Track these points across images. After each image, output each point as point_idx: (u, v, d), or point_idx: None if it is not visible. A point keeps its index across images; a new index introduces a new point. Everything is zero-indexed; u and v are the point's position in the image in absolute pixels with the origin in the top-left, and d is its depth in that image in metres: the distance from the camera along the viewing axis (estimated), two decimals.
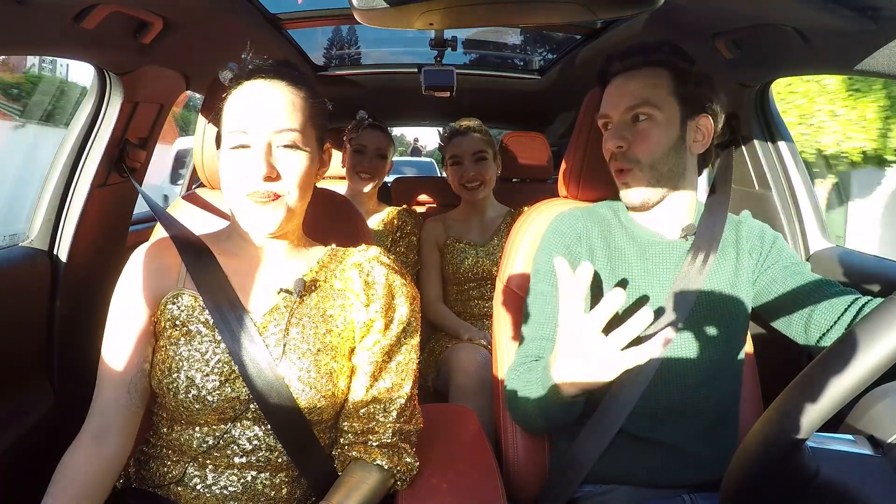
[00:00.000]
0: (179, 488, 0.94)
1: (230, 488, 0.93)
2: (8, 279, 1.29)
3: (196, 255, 1.00)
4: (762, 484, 0.63)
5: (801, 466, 0.61)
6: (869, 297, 1.05)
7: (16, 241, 1.44)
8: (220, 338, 0.94)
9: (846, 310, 1.04)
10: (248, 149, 0.93)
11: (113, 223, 1.63)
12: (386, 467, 0.97)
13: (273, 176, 0.92)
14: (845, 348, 0.59)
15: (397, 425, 0.99)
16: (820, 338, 1.06)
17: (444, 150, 2.16)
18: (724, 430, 1.10)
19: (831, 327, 1.04)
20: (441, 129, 2.25)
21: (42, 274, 1.39)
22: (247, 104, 0.95)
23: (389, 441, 0.98)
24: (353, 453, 0.98)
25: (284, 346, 0.94)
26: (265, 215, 0.94)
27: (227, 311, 0.95)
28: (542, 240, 1.17)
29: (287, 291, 0.98)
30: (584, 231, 1.13)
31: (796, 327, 1.10)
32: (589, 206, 1.20)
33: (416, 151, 14.15)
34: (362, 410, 0.98)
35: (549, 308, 1.11)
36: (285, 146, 0.94)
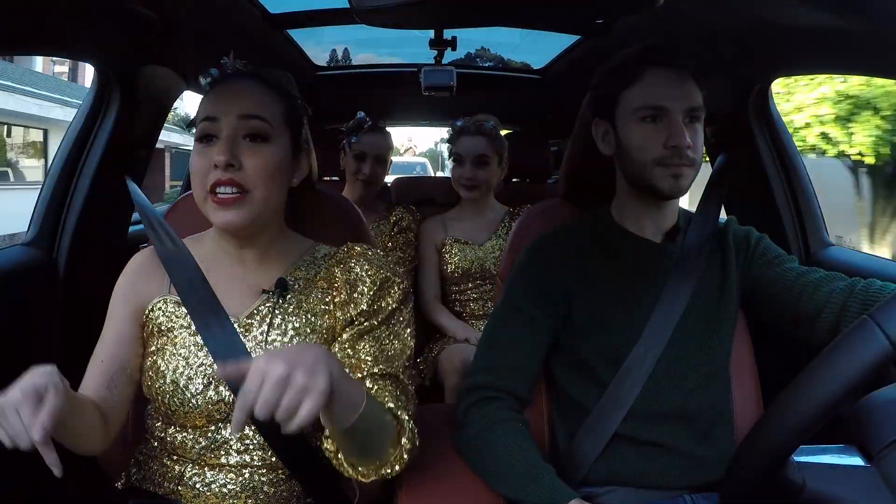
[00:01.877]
0: (180, 487, 0.94)
1: (229, 486, 0.93)
2: (8, 279, 1.29)
3: (177, 260, 0.99)
4: (755, 498, 0.64)
5: (788, 481, 0.62)
6: (857, 279, 1.05)
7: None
8: (202, 342, 0.93)
9: (832, 293, 1.03)
10: (214, 140, 0.92)
11: (113, 223, 1.63)
12: (399, 412, 0.90)
13: (234, 164, 0.89)
14: (820, 369, 0.59)
15: (395, 395, 0.93)
16: (811, 324, 1.05)
17: (451, 145, 2.15)
18: (724, 431, 1.10)
19: (820, 312, 1.03)
20: (449, 127, 2.23)
21: (42, 274, 1.39)
22: (217, 95, 0.95)
23: (393, 405, 0.91)
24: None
25: (266, 349, 0.93)
26: (228, 213, 0.91)
27: (208, 315, 0.94)
28: (521, 258, 1.14)
29: (268, 292, 0.97)
30: (566, 249, 1.11)
31: (787, 318, 1.09)
32: (570, 223, 1.18)
33: (409, 151, 14.16)
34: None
35: (525, 328, 1.09)
36: (252, 137, 0.92)
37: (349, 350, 0.96)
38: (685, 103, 1.04)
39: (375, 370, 0.94)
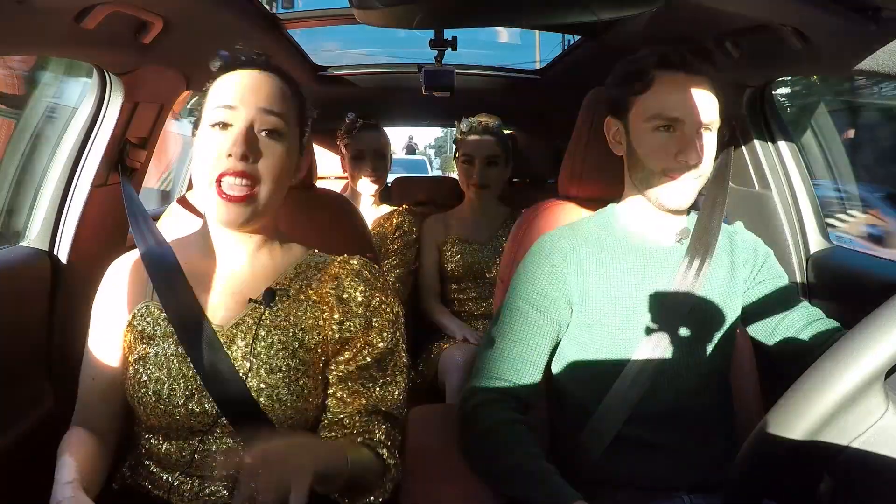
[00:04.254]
0: (170, 494, 0.93)
1: (219, 493, 0.92)
2: (8, 279, 1.29)
3: (161, 266, 0.97)
4: (823, 421, 0.61)
5: (872, 403, 0.60)
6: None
7: None
8: (184, 352, 0.91)
9: (827, 340, 1.04)
10: (230, 128, 0.90)
11: (113, 223, 1.63)
12: (384, 456, 0.93)
13: (250, 158, 0.88)
14: None
15: (386, 430, 0.96)
16: (796, 362, 1.05)
17: (459, 145, 2.15)
18: (723, 432, 1.10)
19: (809, 355, 1.03)
20: (456, 125, 2.23)
21: (42, 274, 1.39)
22: (236, 84, 0.94)
23: (383, 440, 0.95)
24: (359, 440, 0.94)
25: (251, 361, 0.91)
26: (235, 210, 0.90)
27: (191, 324, 0.92)
28: (525, 258, 1.14)
29: (256, 302, 0.94)
30: (571, 250, 1.10)
31: (775, 348, 1.10)
32: (574, 224, 1.17)
33: (410, 150, 14.27)
34: (347, 421, 0.96)
35: (528, 329, 1.08)
36: (268, 132, 0.91)
37: (346, 382, 0.96)
38: (698, 117, 1.02)
39: (370, 405, 0.95)
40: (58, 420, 1.37)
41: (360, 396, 0.96)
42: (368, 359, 0.96)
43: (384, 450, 0.93)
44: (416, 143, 15.12)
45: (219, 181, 0.89)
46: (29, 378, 1.36)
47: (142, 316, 0.96)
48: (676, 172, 1.03)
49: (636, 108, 1.06)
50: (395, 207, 2.25)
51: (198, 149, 0.93)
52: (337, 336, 0.95)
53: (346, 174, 2.26)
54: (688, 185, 1.04)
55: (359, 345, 0.96)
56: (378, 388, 0.97)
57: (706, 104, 1.03)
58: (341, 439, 0.93)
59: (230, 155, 0.88)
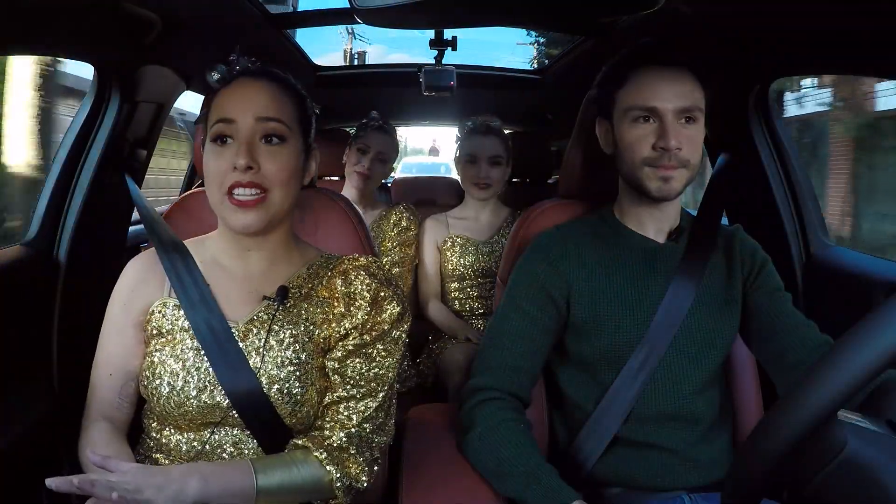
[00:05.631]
0: None
1: None
2: (8, 279, 1.29)
3: (178, 263, 0.99)
4: (784, 456, 0.61)
5: (830, 437, 0.60)
6: None
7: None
8: (199, 346, 0.93)
9: (817, 353, 1.03)
10: (231, 141, 0.92)
11: (113, 223, 1.63)
12: (325, 466, 0.91)
13: (254, 167, 0.90)
14: (879, 321, 0.57)
15: (357, 430, 0.95)
16: (789, 373, 1.04)
17: (461, 145, 2.15)
18: (723, 432, 1.10)
19: (800, 366, 1.03)
20: (459, 127, 2.22)
21: (42, 274, 1.39)
22: (232, 95, 0.95)
23: (339, 444, 0.93)
24: (300, 442, 0.93)
25: (263, 355, 0.93)
26: (248, 216, 0.92)
27: (207, 319, 0.94)
28: (523, 257, 1.14)
29: (269, 299, 0.96)
30: (568, 248, 1.11)
31: (768, 356, 1.09)
32: (572, 222, 1.18)
33: (434, 152, 14.13)
34: (328, 411, 0.97)
35: (527, 328, 1.09)
36: (269, 138, 0.93)
37: (337, 365, 0.96)
38: (677, 103, 1.03)
39: (355, 391, 0.95)
40: (58, 420, 1.37)
41: (352, 378, 0.96)
42: (367, 338, 0.97)
43: (327, 460, 0.91)
44: (439, 147, 14.91)
45: (230, 192, 0.91)
46: (29, 378, 1.36)
47: (160, 312, 0.98)
48: (657, 161, 1.03)
49: (617, 104, 1.08)
50: (394, 205, 2.25)
51: (206, 164, 0.95)
52: (343, 329, 0.97)
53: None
54: (671, 174, 1.04)
55: (360, 335, 0.97)
56: (373, 366, 0.97)
57: (683, 92, 1.03)
58: (267, 458, 0.92)
59: (235, 168, 0.90)
